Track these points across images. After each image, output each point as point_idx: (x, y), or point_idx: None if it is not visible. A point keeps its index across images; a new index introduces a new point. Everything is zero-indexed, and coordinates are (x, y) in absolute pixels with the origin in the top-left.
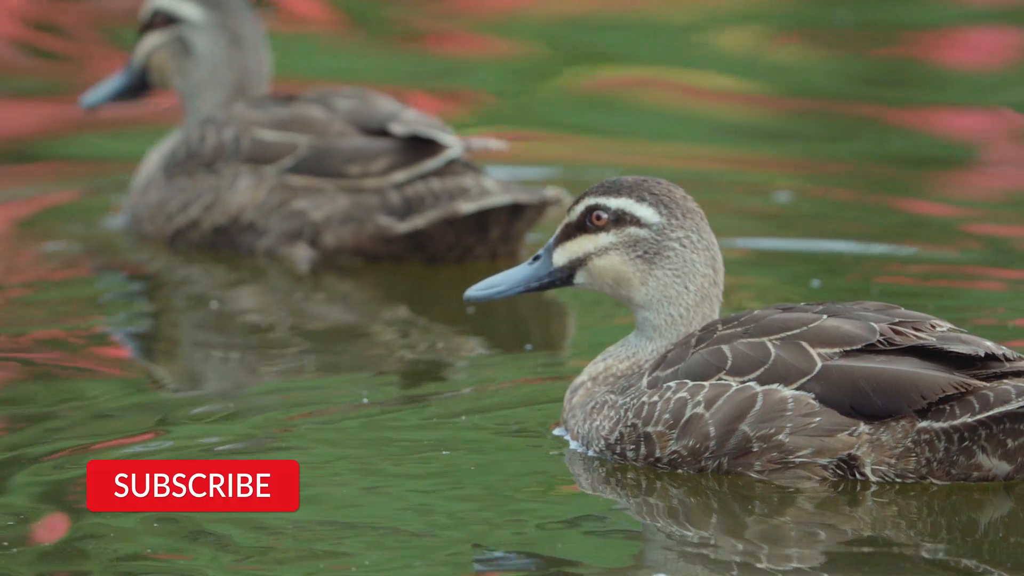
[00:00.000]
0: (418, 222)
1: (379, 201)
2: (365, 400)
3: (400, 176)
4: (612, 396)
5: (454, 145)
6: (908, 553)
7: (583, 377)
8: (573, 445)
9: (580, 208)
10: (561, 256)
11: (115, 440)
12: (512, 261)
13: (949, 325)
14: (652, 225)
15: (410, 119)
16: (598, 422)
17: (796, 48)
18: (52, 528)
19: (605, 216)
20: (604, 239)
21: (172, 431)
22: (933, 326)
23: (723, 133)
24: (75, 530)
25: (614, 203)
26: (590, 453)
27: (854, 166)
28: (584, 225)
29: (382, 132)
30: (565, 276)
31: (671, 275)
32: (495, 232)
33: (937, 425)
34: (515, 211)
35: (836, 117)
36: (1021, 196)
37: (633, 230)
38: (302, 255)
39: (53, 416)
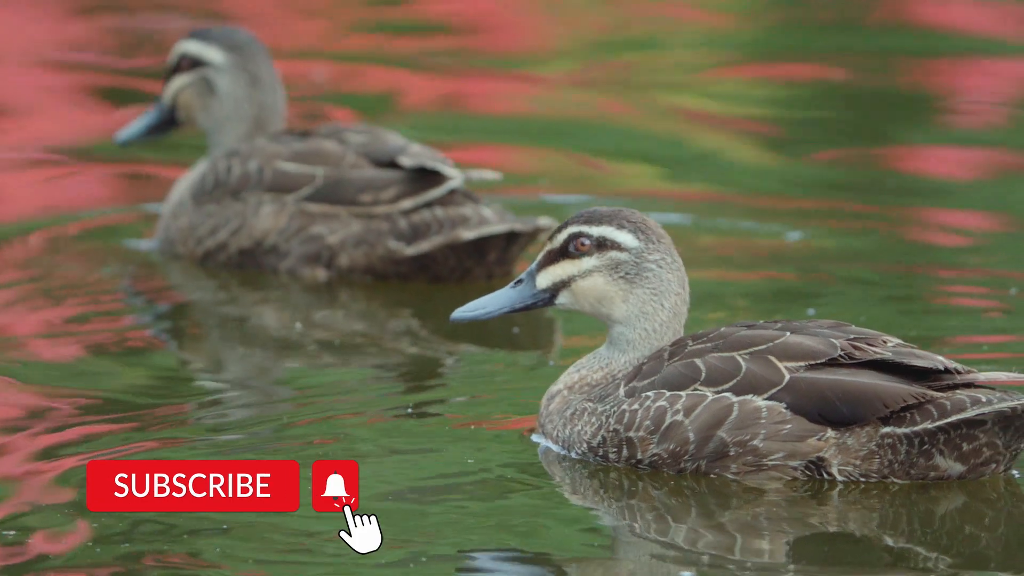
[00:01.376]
0: (424, 246)
1: (389, 227)
2: (366, 398)
3: (407, 204)
4: (591, 404)
5: (455, 176)
6: (872, 543)
7: (559, 386)
8: (553, 448)
9: (563, 236)
10: (545, 279)
11: (120, 439)
12: (506, 281)
13: (898, 340)
14: (631, 249)
15: (416, 152)
16: (579, 427)
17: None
18: (53, 528)
19: (588, 242)
20: (588, 263)
21: (182, 431)
22: (885, 341)
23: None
24: (74, 530)
25: (596, 231)
26: (572, 455)
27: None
28: (567, 251)
29: (391, 164)
30: (548, 297)
31: (649, 294)
32: (492, 256)
33: (899, 431)
34: (510, 238)
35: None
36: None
37: (614, 254)
38: (320, 275)
39: (73, 412)
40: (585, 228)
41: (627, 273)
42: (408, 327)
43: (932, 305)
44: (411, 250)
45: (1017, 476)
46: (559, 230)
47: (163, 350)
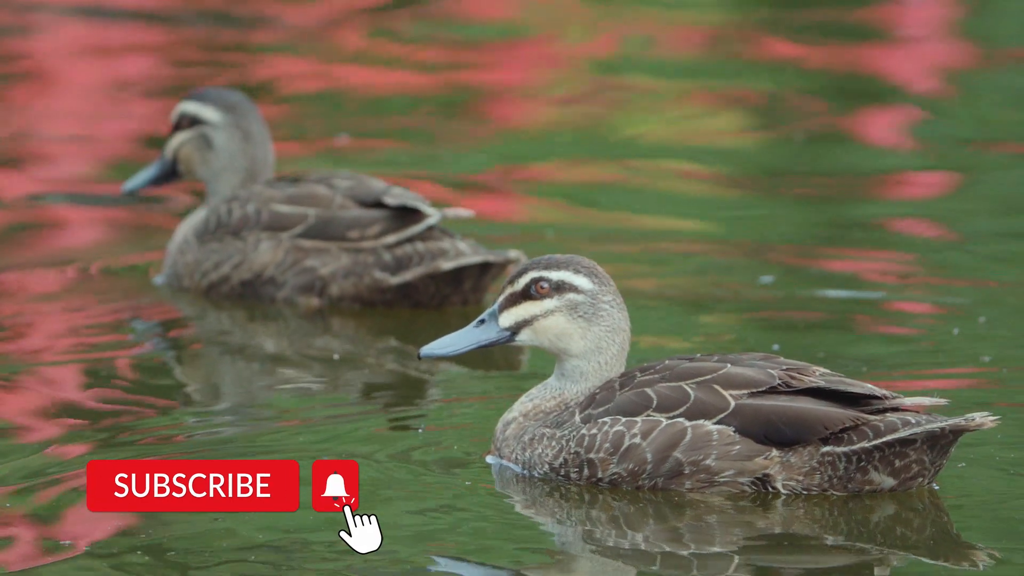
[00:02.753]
0: (407, 276)
1: (375, 259)
2: (347, 412)
3: (391, 239)
4: (548, 429)
5: (433, 214)
6: (814, 547)
7: (514, 413)
8: (514, 468)
9: (525, 280)
10: (507, 319)
11: (124, 443)
12: (479, 308)
13: (825, 370)
14: (587, 291)
15: (398, 193)
16: (540, 450)
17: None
18: (54, 527)
19: (547, 286)
20: (549, 304)
21: (183, 435)
22: (814, 371)
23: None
24: (76, 528)
25: (555, 275)
26: (534, 474)
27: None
28: (529, 293)
29: (376, 204)
30: (509, 335)
31: (605, 331)
32: (468, 284)
33: (839, 449)
34: (484, 268)
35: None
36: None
37: (572, 296)
38: (313, 303)
39: (75, 416)
40: (545, 273)
41: (585, 313)
42: (392, 348)
43: (872, 336)
44: (395, 280)
45: (937, 488)
46: (519, 275)
47: (170, 366)
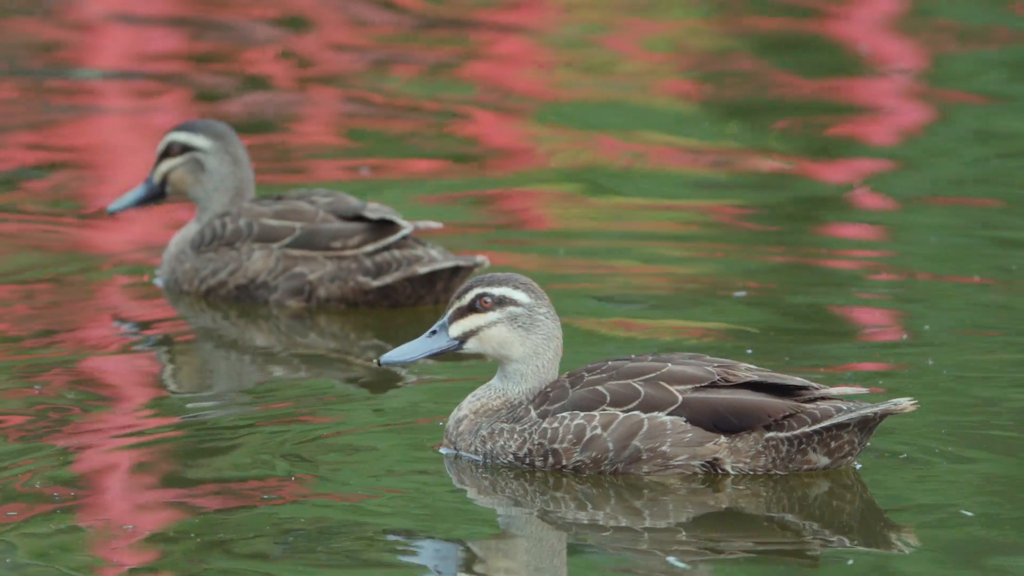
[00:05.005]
0: (387, 279)
1: (357, 266)
2: (324, 401)
3: (370, 248)
4: (506, 424)
5: (407, 226)
6: (760, 519)
7: (464, 411)
8: (473, 458)
9: (471, 295)
10: (456, 329)
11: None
12: (439, 311)
13: (751, 365)
14: (525, 305)
15: (375, 208)
16: (501, 443)
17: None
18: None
19: (490, 300)
20: (492, 316)
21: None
22: (743, 367)
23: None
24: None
25: (496, 291)
26: (497, 463)
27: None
28: (474, 307)
29: (355, 218)
30: (458, 344)
31: (541, 339)
32: (440, 285)
33: (782, 435)
34: (455, 271)
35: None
36: None
37: (512, 308)
38: (302, 304)
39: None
40: (488, 289)
41: (523, 323)
42: (373, 344)
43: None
44: (377, 283)
45: (859, 467)
46: (465, 291)
47: (173, 359)
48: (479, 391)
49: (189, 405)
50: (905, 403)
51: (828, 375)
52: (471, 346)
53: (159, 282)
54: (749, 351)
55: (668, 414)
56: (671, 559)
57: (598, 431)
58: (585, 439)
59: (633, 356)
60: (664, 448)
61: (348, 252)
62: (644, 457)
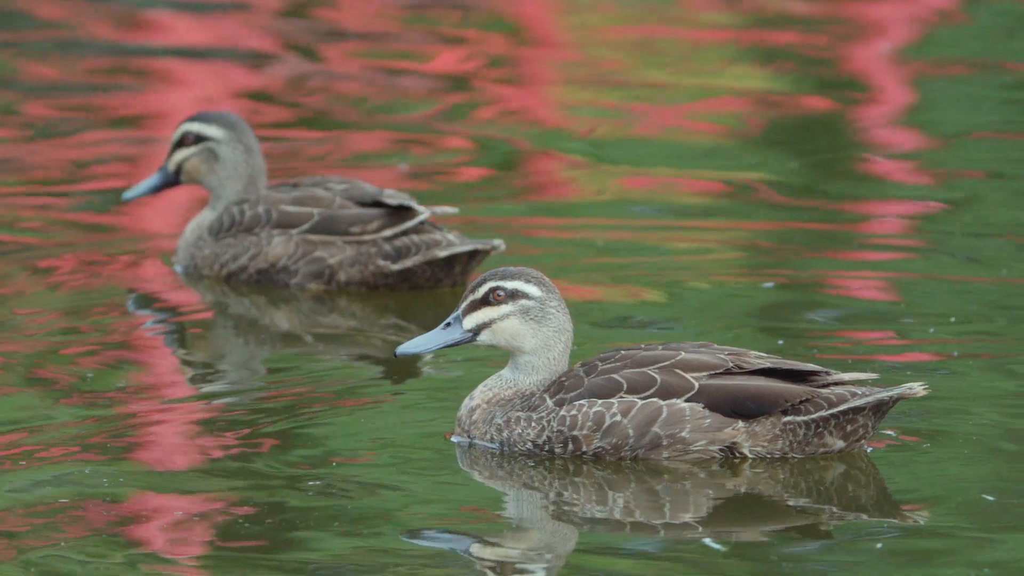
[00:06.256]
0: (407, 263)
1: (376, 250)
2: (349, 384)
3: (388, 232)
4: (522, 413)
5: (424, 211)
6: (778, 502)
7: (476, 400)
8: (488, 447)
9: (484, 289)
10: (470, 322)
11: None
12: (463, 290)
13: (760, 353)
14: (537, 298)
15: (393, 194)
16: (519, 431)
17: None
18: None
19: (503, 293)
20: (505, 309)
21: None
22: (752, 355)
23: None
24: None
25: (509, 285)
26: (514, 451)
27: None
28: (487, 300)
29: (372, 203)
30: (472, 336)
31: (552, 331)
32: (457, 268)
33: (799, 419)
34: (472, 255)
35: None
36: None
37: (524, 302)
38: (321, 288)
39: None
40: (501, 283)
41: (535, 316)
42: (391, 323)
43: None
44: (396, 266)
45: (870, 451)
46: (479, 285)
47: (199, 339)
48: (490, 381)
49: (209, 387)
50: (918, 388)
51: (856, 365)
52: (484, 338)
53: (178, 268)
54: (780, 342)
55: (685, 401)
56: (707, 541)
57: (618, 418)
58: (605, 426)
59: (643, 345)
60: (683, 434)
61: (367, 237)
62: (664, 443)
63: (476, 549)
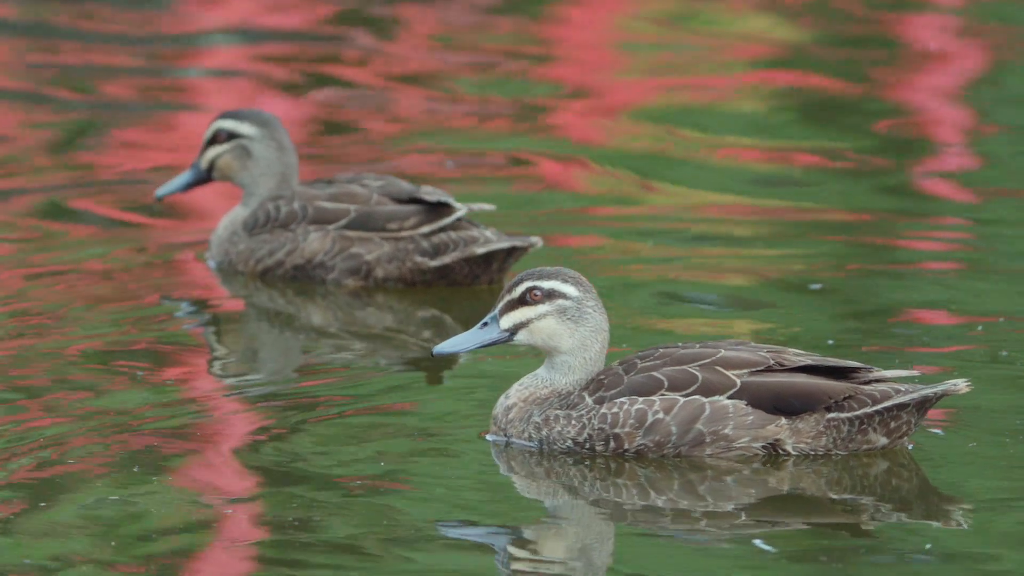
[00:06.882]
0: (445, 260)
1: (414, 246)
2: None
3: (426, 229)
4: (561, 411)
5: (461, 208)
6: (820, 497)
7: (512, 399)
8: (526, 445)
9: (521, 289)
10: (507, 322)
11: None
12: (500, 287)
13: (799, 351)
14: (574, 298)
15: (430, 191)
16: (559, 428)
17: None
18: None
19: (540, 293)
20: (541, 308)
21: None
22: (791, 352)
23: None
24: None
25: (546, 284)
26: (554, 449)
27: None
28: (524, 300)
29: (408, 200)
30: (508, 336)
31: (589, 331)
32: (495, 265)
33: (843, 415)
34: (510, 252)
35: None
36: None
37: (561, 302)
38: (358, 284)
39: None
40: (537, 283)
41: (572, 316)
42: (429, 318)
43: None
44: (434, 263)
45: (911, 448)
46: (516, 285)
47: (235, 335)
48: (525, 380)
49: (245, 384)
50: (961, 384)
51: (901, 362)
52: (521, 338)
53: (211, 264)
54: (830, 342)
55: (727, 398)
56: (757, 542)
57: (660, 415)
58: (648, 423)
59: (680, 344)
60: (727, 431)
61: (405, 233)
62: (707, 440)
63: (516, 548)
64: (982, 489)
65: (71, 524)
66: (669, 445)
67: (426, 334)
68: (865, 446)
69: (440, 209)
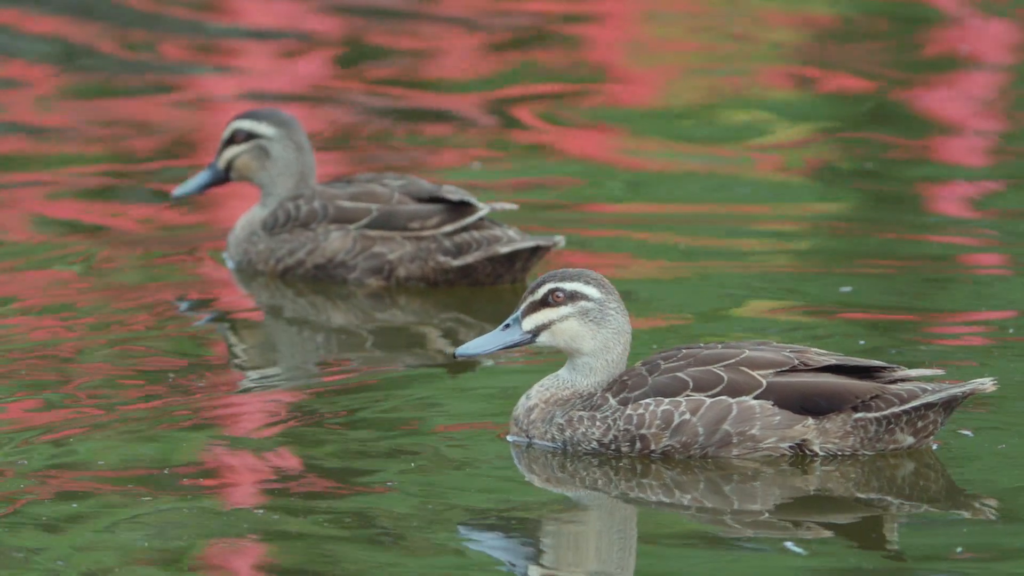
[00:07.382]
0: (468, 259)
1: (436, 246)
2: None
3: (448, 228)
4: (585, 412)
5: (484, 207)
6: (847, 497)
7: (534, 400)
8: (548, 446)
9: (543, 290)
10: (529, 323)
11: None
12: (523, 287)
13: (821, 350)
14: (596, 300)
15: (452, 190)
16: (583, 430)
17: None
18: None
19: (562, 295)
20: (564, 310)
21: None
22: (814, 351)
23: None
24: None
25: (568, 286)
26: (578, 450)
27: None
28: (546, 302)
29: (429, 199)
30: (531, 338)
31: (611, 333)
32: (518, 265)
33: (870, 415)
34: (534, 251)
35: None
36: None
37: (583, 303)
38: (381, 283)
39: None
40: (560, 284)
41: (595, 318)
42: (452, 317)
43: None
44: (457, 262)
45: (936, 448)
46: (538, 286)
47: (256, 335)
48: (546, 381)
49: (266, 384)
50: (988, 383)
51: (930, 362)
52: (543, 340)
53: (230, 264)
54: (862, 342)
55: (754, 398)
56: (789, 544)
57: (687, 416)
58: (674, 424)
59: (702, 344)
60: (754, 431)
61: (427, 233)
62: (734, 441)
63: (540, 550)
64: (1012, 491)
65: (84, 527)
66: (696, 446)
67: (449, 334)
68: (892, 446)
69: (462, 208)
